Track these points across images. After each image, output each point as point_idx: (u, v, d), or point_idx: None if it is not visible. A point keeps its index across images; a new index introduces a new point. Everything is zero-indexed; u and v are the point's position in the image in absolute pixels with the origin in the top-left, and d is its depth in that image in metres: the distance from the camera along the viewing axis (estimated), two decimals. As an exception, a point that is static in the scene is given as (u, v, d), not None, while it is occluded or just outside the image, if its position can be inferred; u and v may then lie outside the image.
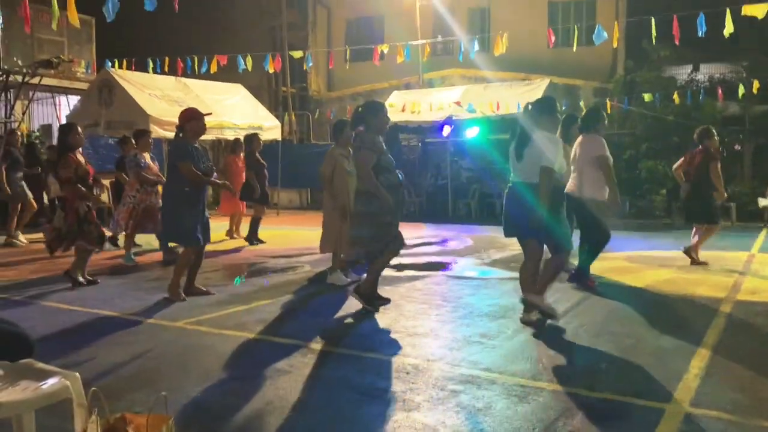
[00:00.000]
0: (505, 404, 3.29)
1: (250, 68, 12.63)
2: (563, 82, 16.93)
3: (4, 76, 13.11)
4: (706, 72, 16.62)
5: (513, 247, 9.55)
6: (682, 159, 8.04)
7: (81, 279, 6.52)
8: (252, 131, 12.30)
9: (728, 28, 8.77)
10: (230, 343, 4.47)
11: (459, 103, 14.94)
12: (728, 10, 8.64)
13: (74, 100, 14.45)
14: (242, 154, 10.24)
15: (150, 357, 4.18)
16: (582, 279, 6.37)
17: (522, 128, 4.97)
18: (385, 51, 13.18)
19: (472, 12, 20.27)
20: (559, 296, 5.61)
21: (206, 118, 5.97)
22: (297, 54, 14.27)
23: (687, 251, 7.75)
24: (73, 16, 6.84)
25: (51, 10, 7.60)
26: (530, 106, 5.06)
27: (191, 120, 5.81)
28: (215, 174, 6.25)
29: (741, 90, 13.29)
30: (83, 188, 6.31)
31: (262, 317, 5.22)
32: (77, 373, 2.36)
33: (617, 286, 6.44)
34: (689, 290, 6.26)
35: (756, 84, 12.70)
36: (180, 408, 3.23)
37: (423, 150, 17.56)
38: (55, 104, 15.13)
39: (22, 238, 9.87)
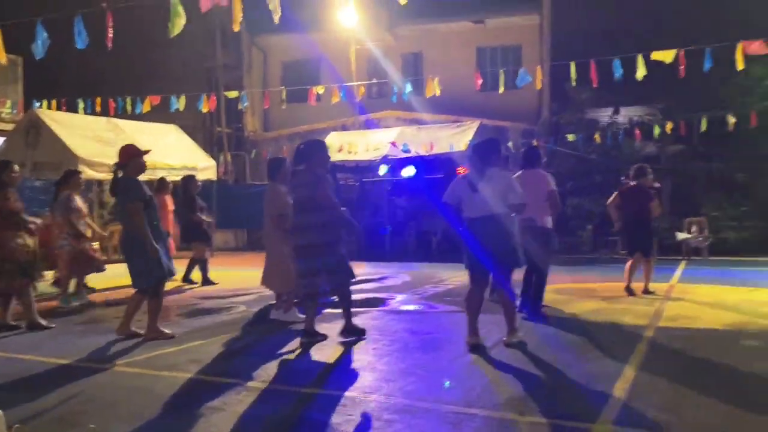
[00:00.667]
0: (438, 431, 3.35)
1: (182, 108, 12.55)
2: (493, 123, 17.56)
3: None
4: (625, 114, 17.64)
5: (448, 282, 9.75)
6: (615, 194, 8.45)
7: (42, 321, 6.36)
8: (187, 171, 12.19)
9: (640, 72, 9.44)
10: (162, 383, 4.36)
11: (395, 143, 15.28)
12: (640, 55, 9.32)
13: (-1, 140, 13.95)
14: (169, 194, 10.15)
15: (79, 399, 4.03)
16: (539, 310, 6.66)
17: (474, 166, 5.28)
18: (321, 92, 13.40)
19: (405, 56, 20.90)
20: (492, 327, 5.75)
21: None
22: (232, 94, 14.31)
23: (646, 290, 8.11)
24: (0, 55, 6.70)
25: (-25, 48, 7.41)
26: (477, 146, 5.40)
27: (133, 158, 5.75)
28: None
29: (656, 131, 14.18)
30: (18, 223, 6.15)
31: (196, 357, 5.12)
32: (0, 411, 2.28)
33: (548, 316, 6.65)
34: (615, 318, 6.55)
35: (669, 125, 13.59)
36: (108, 449, 3.13)
37: (361, 189, 17.75)
38: (-24, 145, 14.53)
39: None
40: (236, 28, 6.53)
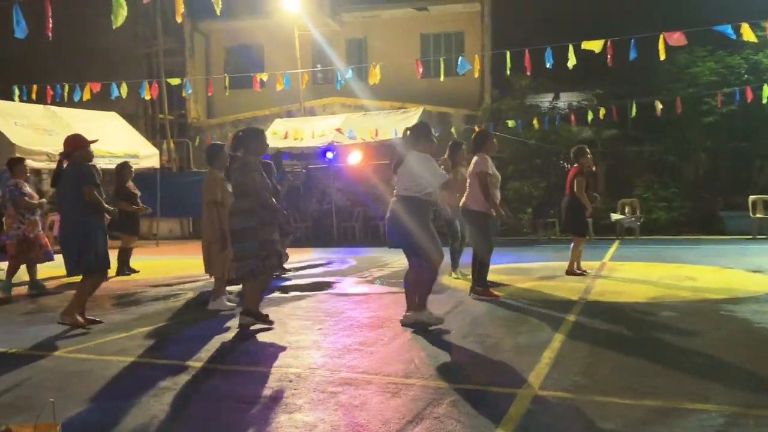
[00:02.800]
0: (379, 400, 3.61)
1: (125, 95, 12.38)
2: (436, 110, 17.93)
3: None
4: (564, 100, 18.26)
5: (393, 265, 10.05)
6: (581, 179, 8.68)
7: None
8: (129, 159, 12.06)
9: (571, 61, 9.88)
10: (112, 367, 4.48)
11: (340, 130, 15.44)
12: (570, 45, 9.75)
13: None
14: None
15: (27, 385, 4.11)
16: (485, 292, 6.87)
17: (400, 149, 5.56)
18: (265, 79, 13.41)
19: (350, 43, 21.01)
20: (431, 305, 6.04)
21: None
22: (175, 81, 14.14)
23: (569, 271, 8.34)
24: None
25: None
26: (408, 131, 5.61)
27: (80, 148, 5.78)
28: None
29: (590, 116, 14.80)
30: None
31: (144, 342, 5.24)
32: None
33: (497, 295, 7.02)
34: (547, 294, 6.97)
35: (602, 111, 14.21)
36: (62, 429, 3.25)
37: (308, 175, 17.87)
38: None
39: None
40: (179, 19, 6.55)
